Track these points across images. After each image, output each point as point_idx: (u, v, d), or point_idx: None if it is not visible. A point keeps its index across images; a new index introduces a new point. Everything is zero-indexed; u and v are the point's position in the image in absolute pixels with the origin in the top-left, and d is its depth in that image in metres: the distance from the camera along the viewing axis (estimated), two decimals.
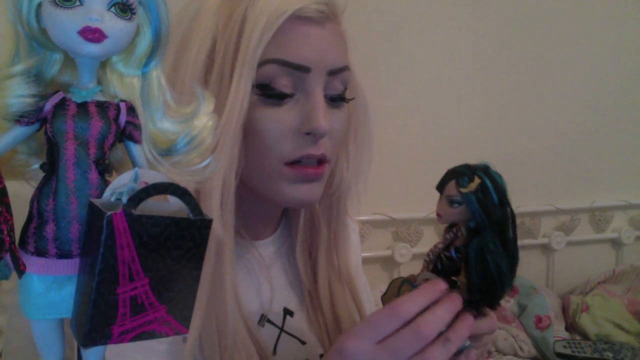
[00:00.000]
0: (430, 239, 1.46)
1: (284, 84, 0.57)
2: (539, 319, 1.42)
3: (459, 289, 0.52)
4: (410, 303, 0.48)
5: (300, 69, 0.56)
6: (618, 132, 1.70)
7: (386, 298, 0.58)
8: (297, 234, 0.71)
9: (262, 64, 0.56)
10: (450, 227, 0.55)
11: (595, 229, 1.73)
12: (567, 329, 1.47)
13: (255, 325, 0.65)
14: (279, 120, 0.57)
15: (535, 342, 1.39)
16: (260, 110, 0.57)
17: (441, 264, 0.55)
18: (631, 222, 1.76)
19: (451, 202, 0.52)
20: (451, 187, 0.52)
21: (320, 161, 0.60)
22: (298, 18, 0.56)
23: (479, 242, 0.51)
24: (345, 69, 0.60)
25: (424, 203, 1.29)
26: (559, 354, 1.32)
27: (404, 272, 1.44)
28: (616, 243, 1.75)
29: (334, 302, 0.70)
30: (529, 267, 1.63)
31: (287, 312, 0.69)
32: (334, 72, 0.58)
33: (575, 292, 1.61)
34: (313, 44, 0.57)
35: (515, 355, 1.35)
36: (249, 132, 0.57)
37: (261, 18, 0.54)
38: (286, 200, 0.61)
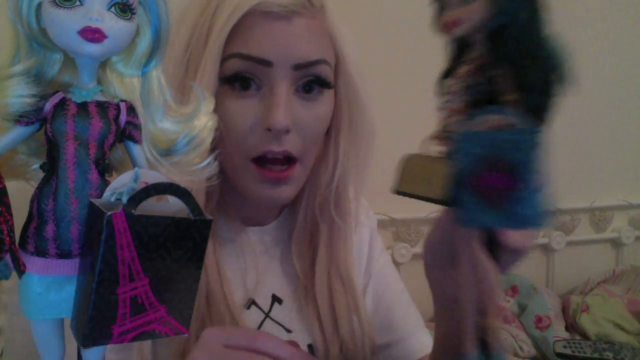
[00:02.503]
0: None
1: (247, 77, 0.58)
2: (539, 319, 1.42)
3: (510, 112, 0.40)
4: (270, 343, 0.48)
5: (261, 63, 0.57)
6: (618, 132, 1.70)
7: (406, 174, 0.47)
8: (295, 225, 0.71)
9: (226, 58, 0.57)
10: (454, 64, 0.45)
11: (595, 229, 1.73)
12: (567, 329, 1.47)
13: (240, 307, 0.65)
14: (242, 114, 0.58)
15: (535, 342, 1.39)
16: (227, 103, 0.58)
17: (477, 91, 0.42)
18: (631, 222, 1.76)
19: None
20: None
21: (289, 160, 0.60)
22: (262, 13, 0.56)
23: (511, 26, 0.40)
24: (318, 62, 0.59)
25: (424, 203, 1.28)
26: (559, 354, 1.32)
27: (404, 272, 1.44)
28: (616, 243, 1.75)
29: (332, 296, 0.70)
30: (529, 267, 1.63)
31: (276, 299, 0.69)
32: (301, 66, 0.58)
33: (575, 292, 1.61)
34: (276, 39, 0.57)
35: (515, 355, 1.35)
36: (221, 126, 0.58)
37: (225, 13, 0.56)
38: (254, 198, 0.62)
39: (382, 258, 0.81)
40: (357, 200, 0.73)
